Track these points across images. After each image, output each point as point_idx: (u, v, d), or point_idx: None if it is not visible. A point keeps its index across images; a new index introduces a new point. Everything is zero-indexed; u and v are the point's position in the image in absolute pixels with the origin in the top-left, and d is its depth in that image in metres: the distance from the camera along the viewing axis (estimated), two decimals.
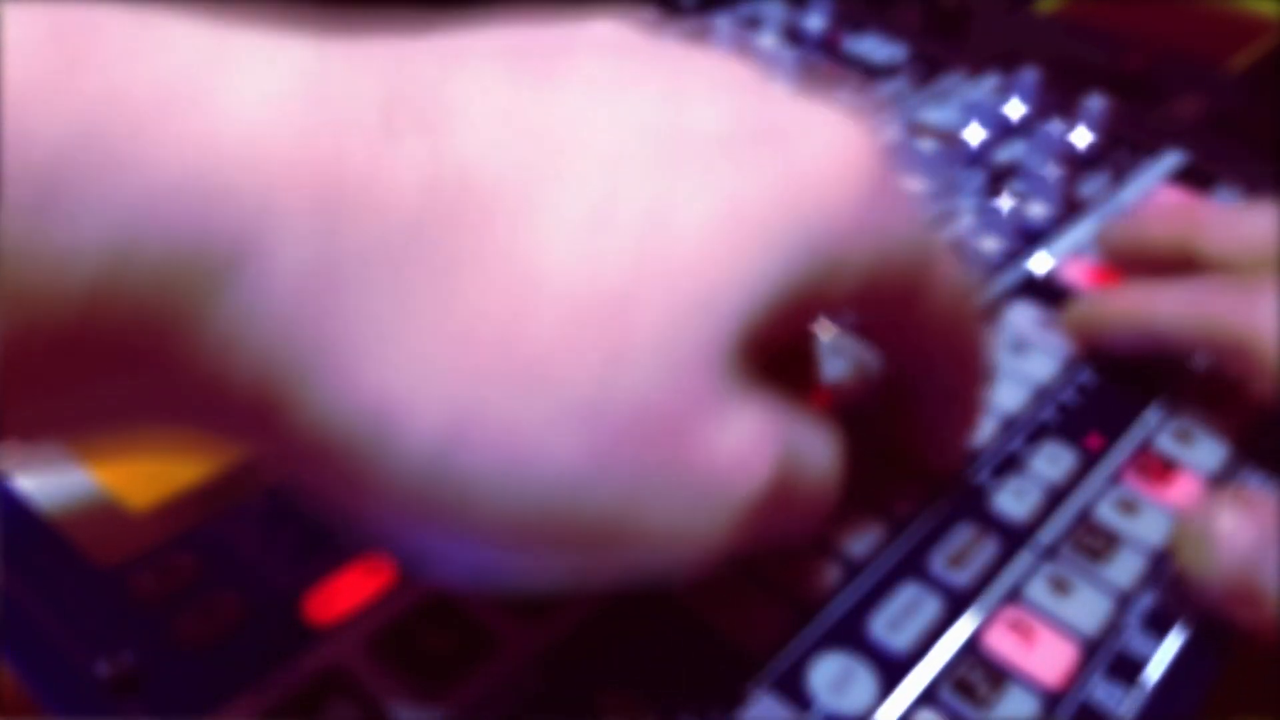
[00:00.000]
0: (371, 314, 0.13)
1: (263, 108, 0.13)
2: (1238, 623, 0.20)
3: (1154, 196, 0.34)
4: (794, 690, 0.19)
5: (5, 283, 0.11)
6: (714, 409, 0.15)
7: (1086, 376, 0.26)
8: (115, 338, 0.12)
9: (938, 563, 0.21)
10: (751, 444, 0.15)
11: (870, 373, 0.23)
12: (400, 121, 0.13)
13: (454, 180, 0.14)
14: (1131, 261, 0.28)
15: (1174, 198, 0.34)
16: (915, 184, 0.18)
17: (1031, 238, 0.31)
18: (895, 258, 0.17)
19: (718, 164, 0.15)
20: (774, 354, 0.16)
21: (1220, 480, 0.24)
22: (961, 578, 0.21)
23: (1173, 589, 0.21)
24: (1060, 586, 0.21)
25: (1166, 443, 0.25)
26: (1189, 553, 0.20)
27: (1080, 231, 0.32)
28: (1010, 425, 0.25)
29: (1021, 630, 0.20)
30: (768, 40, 0.39)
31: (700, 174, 0.15)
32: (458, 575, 0.16)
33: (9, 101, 0.11)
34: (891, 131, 0.35)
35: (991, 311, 0.21)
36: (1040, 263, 0.30)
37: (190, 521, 0.21)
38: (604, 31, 0.17)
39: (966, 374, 0.21)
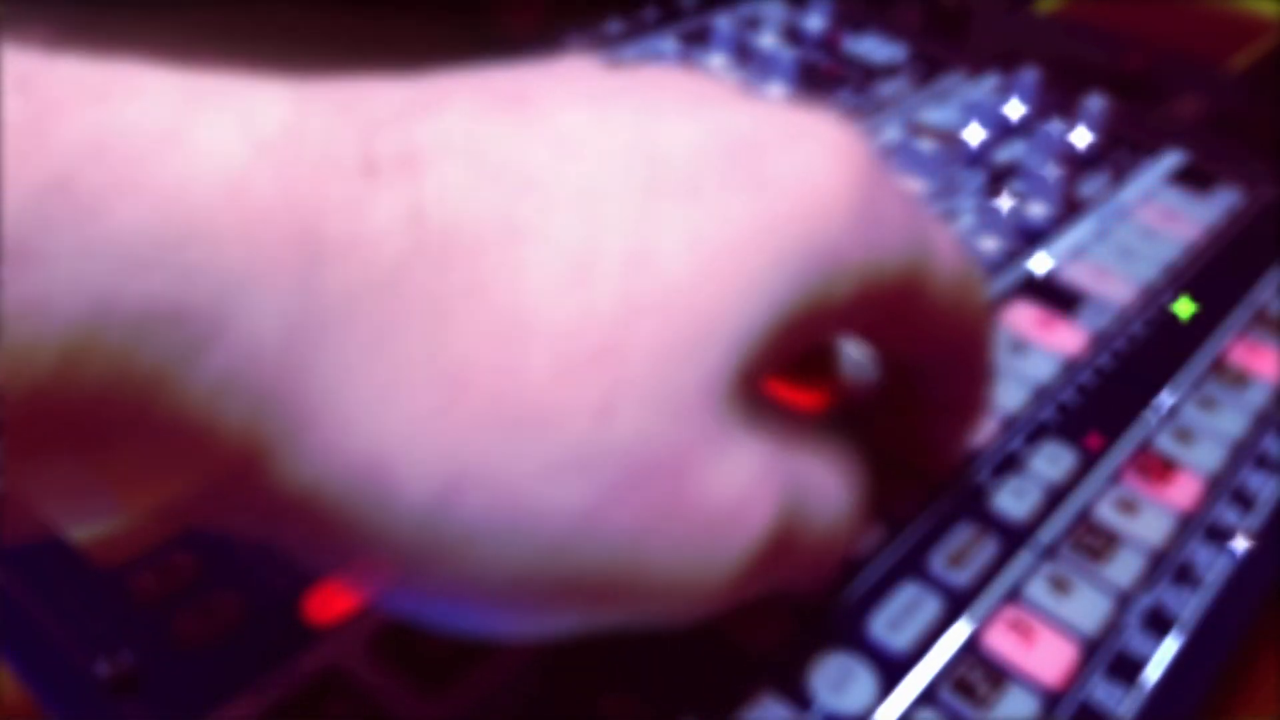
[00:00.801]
0: (358, 367, 0.13)
1: (239, 156, 0.12)
2: None
3: (1154, 196, 0.34)
4: (794, 690, 0.19)
5: None
6: (712, 452, 0.14)
7: (1086, 376, 0.26)
8: (93, 399, 0.11)
9: (937, 562, 0.21)
10: (752, 488, 0.15)
11: (870, 372, 0.22)
12: (379, 168, 0.13)
13: (435, 227, 0.13)
14: None
15: (1174, 199, 0.34)
16: (906, 181, 0.18)
17: (1031, 238, 0.31)
18: (891, 262, 0.17)
19: (699, 189, 0.15)
20: (787, 363, 0.16)
21: (1220, 480, 0.24)
22: (961, 577, 0.21)
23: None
24: (1060, 586, 0.21)
25: (1166, 443, 0.25)
26: None
27: (1080, 231, 0.32)
28: (1010, 425, 0.25)
29: (1021, 630, 0.20)
30: (768, 40, 0.39)
31: (682, 202, 0.15)
32: (454, 625, 0.15)
33: None
34: (891, 131, 0.35)
35: (995, 305, 0.21)
36: (1040, 263, 0.30)
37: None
38: (572, 67, 0.17)
39: (969, 372, 0.21)
